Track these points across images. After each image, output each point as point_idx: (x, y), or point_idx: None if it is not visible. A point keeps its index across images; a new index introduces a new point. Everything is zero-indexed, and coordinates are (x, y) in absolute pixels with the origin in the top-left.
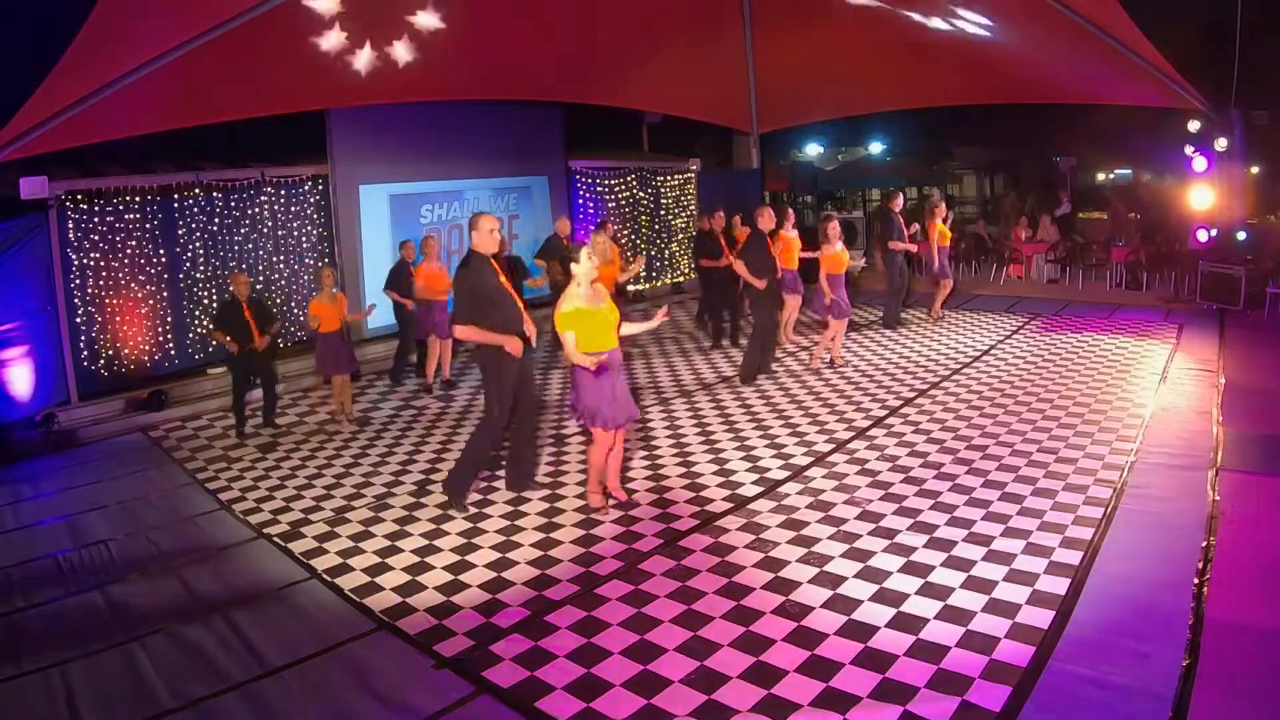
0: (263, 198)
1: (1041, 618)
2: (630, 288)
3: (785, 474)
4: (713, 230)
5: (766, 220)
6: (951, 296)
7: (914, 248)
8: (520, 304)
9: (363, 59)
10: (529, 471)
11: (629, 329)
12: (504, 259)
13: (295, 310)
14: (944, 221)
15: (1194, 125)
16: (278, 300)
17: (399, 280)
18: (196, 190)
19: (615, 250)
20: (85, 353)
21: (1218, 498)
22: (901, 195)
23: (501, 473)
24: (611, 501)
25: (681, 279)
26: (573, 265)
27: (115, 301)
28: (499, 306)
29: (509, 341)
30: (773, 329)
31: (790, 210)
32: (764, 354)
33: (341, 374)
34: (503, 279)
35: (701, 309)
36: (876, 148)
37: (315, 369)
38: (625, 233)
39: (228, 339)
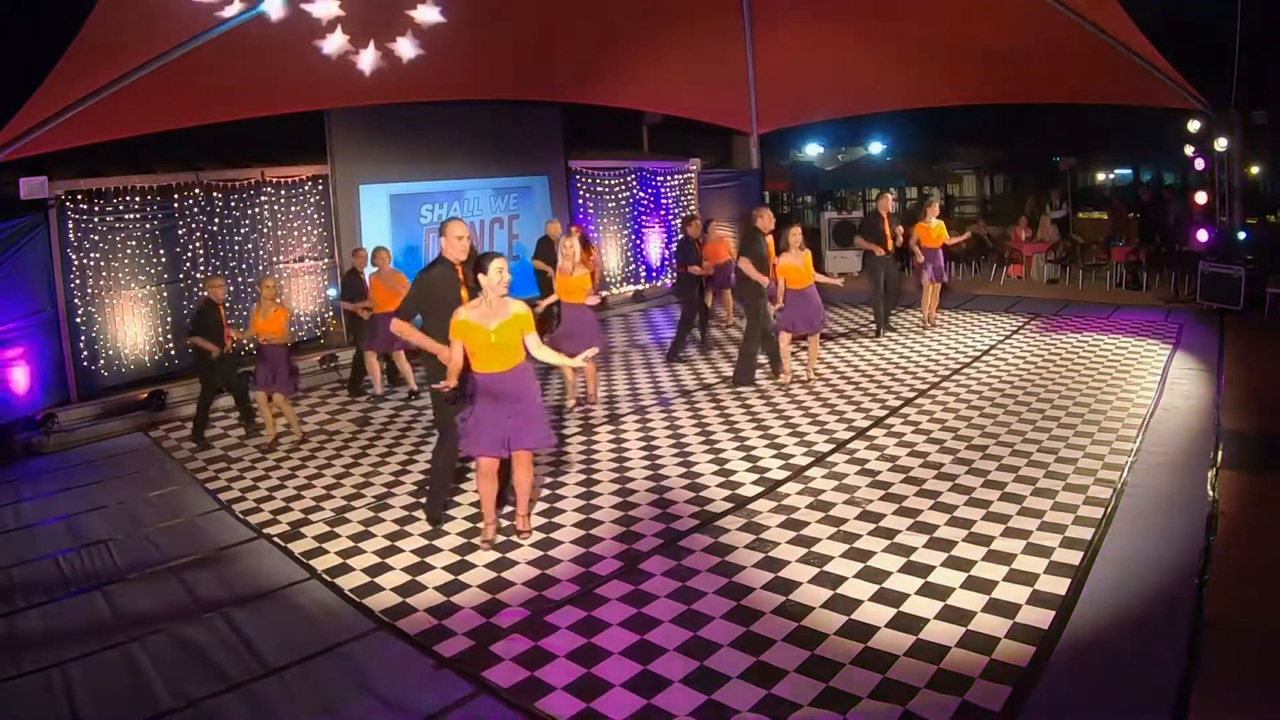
0: (263, 198)
1: (1041, 618)
2: (631, 287)
3: (785, 474)
4: (688, 237)
5: (766, 221)
6: (951, 297)
7: (879, 249)
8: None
9: (363, 59)
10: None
11: (550, 357)
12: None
13: (295, 311)
14: (937, 221)
15: (1194, 125)
16: (276, 301)
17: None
18: (196, 190)
19: (589, 256)
20: (85, 353)
21: (1218, 498)
22: (890, 195)
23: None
24: (523, 539)
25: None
26: (480, 276)
27: (115, 301)
28: (447, 316)
29: (442, 352)
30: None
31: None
32: (759, 355)
33: (275, 391)
34: (464, 291)
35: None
36: (876, 148)
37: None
38: (626, 233)
39: (210, 343)
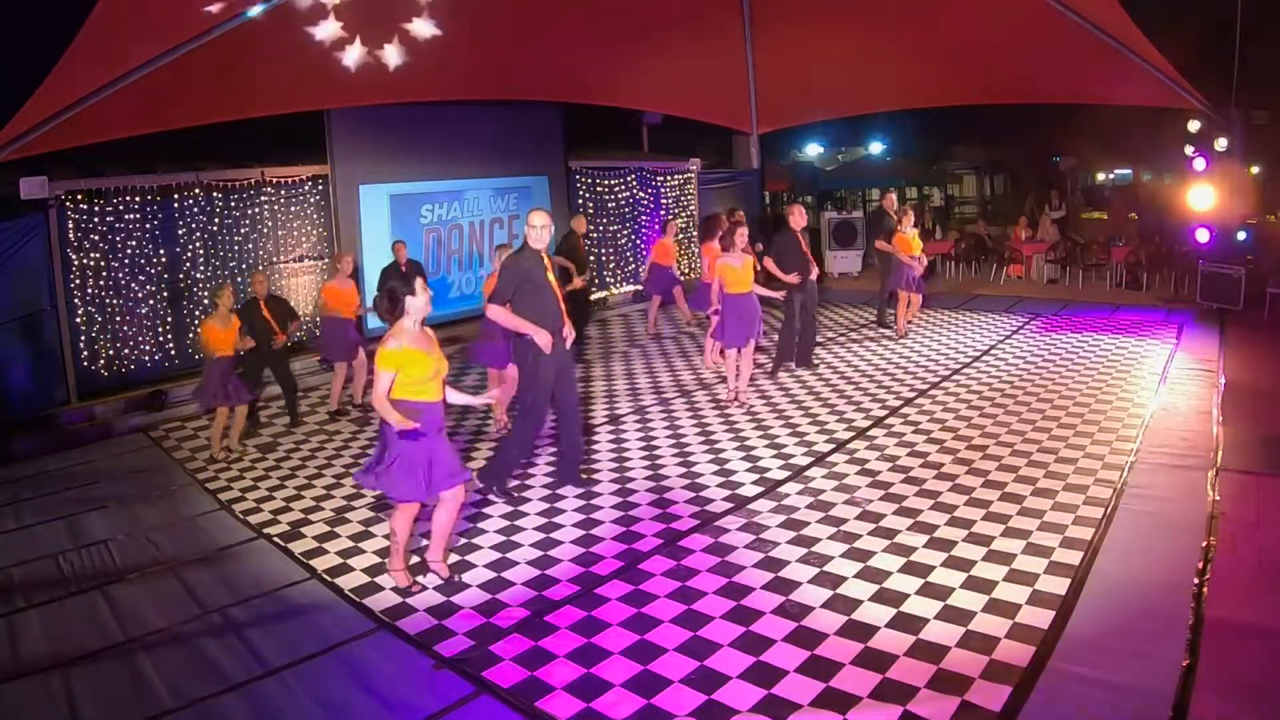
0: (263, 198)
1: (1041, 618)
2: (631, 287)
3: (785, 474)
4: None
5: (798, 217)
6: (951, 297)
7: (897, 251)
8: (560, 302)
9: (362, 57)
10: (573, 467)
11: (456, 397)
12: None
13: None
14: (914, 228)
15: (1194, 125)
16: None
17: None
18: (196, 190)
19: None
20: (85, 353)
21: (1218, 498)
22: (894, 194)
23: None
24: (417, 582)
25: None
26: (408, 299)
27: (115, 301)
28: (540, 299)
29: (539, 334)
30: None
31: (724, 218)
32: (801, 344)
33: (231, 404)
34: (550, 275)
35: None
36: (876, 148)
37: (195, 397)
38: (626, 233)
39: (247, 338)
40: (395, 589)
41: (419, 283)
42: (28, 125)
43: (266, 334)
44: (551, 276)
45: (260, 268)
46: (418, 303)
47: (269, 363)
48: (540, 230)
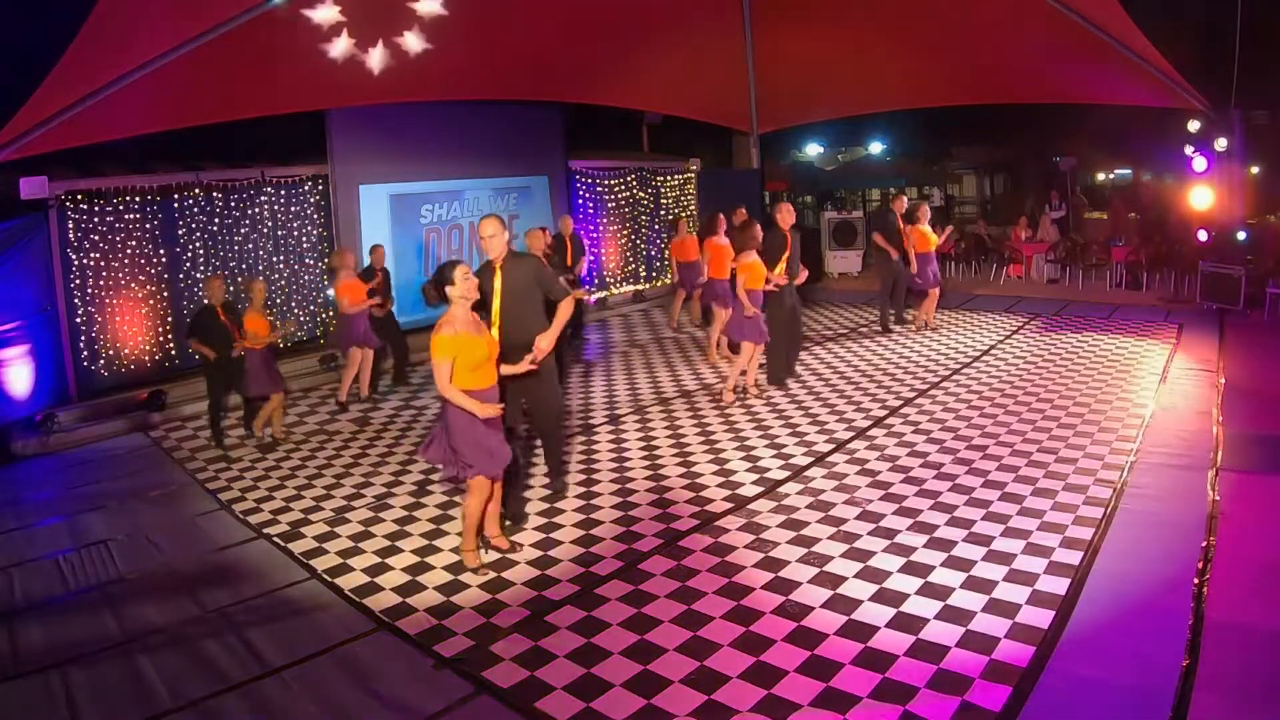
0: (263, 198)
1: (1041, 618)
2: (631, 287)
3: (785, 474)
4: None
5: (785, 216)
6: (951, 296)
7: (894, 251)
8: (491, 312)
9: (363, 58)
10: (554, 472)
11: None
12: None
13: (295, 310)
14: (928, 225)
15: (1194, 125)
16: (277, 300)
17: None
18: (196, 190)
19: None
20: (85, 353)
21: (1218, 498)
22: (904, 197)
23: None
24: (487, 557)
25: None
26: (448, 288)
27: (115, 301)
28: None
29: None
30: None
31: (722, 216)
32: (788, 354)
33: (278, 391)
34: (497, 284)
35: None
36: (876, 148)
37: (249, 387)
38: (625, 233)
39: (204, 347)
40: (471, 571)
41: (459, 271)
42: (28, 125)
43: (226, 341)
44: (498, 285)
45: (260, 268)
46: (457, 290)
47: (227, 372)
48: (487, 240)
